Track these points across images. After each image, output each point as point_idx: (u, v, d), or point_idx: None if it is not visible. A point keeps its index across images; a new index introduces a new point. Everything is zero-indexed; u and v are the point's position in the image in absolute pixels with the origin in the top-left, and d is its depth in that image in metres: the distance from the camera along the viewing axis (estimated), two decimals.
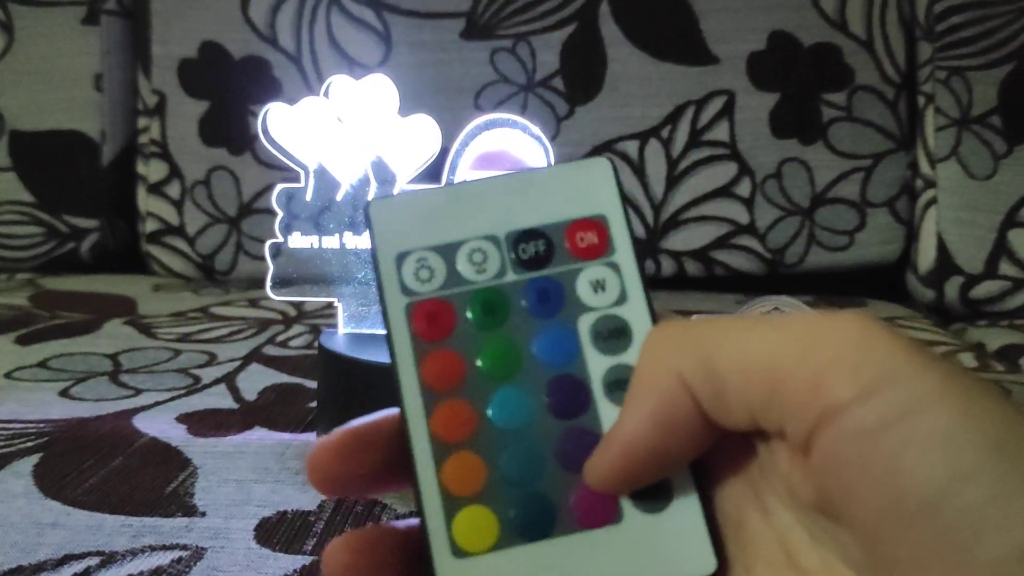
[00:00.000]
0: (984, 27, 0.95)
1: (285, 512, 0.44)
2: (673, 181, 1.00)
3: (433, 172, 0.51)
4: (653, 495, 0.24)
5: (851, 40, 1.00)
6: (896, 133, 1.01)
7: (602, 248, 0.26)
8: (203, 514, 0.44)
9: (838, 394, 0.20)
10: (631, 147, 1.00)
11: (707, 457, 0.24)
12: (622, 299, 0.25)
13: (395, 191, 0.51)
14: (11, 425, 0.55)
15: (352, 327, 0.53)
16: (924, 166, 0.98)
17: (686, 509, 0.24)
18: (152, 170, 1.08)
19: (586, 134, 1.01)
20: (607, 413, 0.24)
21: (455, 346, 0.24)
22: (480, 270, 0.25)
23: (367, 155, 0.52)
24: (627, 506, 0.24)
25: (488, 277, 0.25)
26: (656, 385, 0.23)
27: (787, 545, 0.23)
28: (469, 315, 0.25)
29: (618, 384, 0.24)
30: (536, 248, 0.25)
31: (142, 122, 1.10)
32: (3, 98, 1.09)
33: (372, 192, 0.52)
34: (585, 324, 0.25)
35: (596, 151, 1.00)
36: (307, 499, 0.46)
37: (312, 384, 0.65)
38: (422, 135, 0.51)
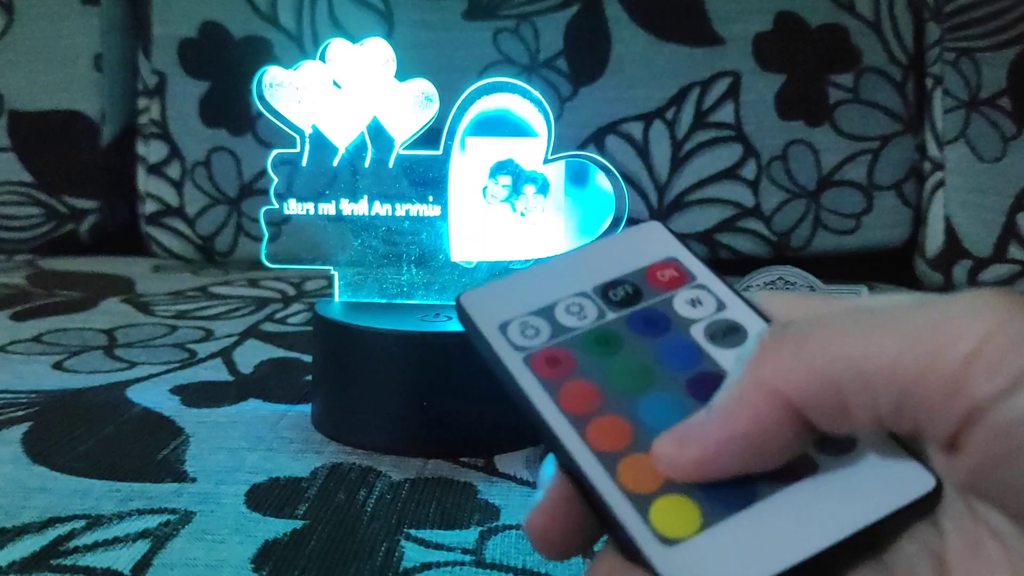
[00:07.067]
0: (993, 8, 0.93)
1: (277, 478, 0.43)
2: (678, 163, 0.99)
3: (431, 136, 0.50)
4: (836, 439, 0.23)
5: (858, 21, 0.99)
6: (904, 115, 0.99)
7: (684, 279, 0.27)
8: (193, 480, 0.43)
9: (982, 391, 0.19)
10: (635, 128, 0.99)
11: None
12: (721, 307, 0.27)
13: (392, 156, 0.50)
14: (2, 395, 0.55)
15: (348, 296, 0.52)
16: (932, 148, 0.97)
17: (877, 441, 0.23)
18: (152, 151, 1.07)
19: (590, 115, 1.00)
20: None
21: (583, 376, 0.25)
22: (581, 317, 0.27)
23: (364, 119, 0.50)
24: (816, 455, 0.23)
25: (590, 321, 0.27)
26: (754, 406, 0.22)
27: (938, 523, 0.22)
28: (586, 352, 0.26)
29: None
30: (625, 291, 0.27)
31: (142, 102, 1.09)
32: (2, 78, 1.08)
33: (368, 159, 0.51)
34: (697, 331, 0.26)
35: (600, 133, 0.99)
36: (300, 466, 0.45)
37: (309, 358, 0.64)
38: (419, 99, 0.50)
